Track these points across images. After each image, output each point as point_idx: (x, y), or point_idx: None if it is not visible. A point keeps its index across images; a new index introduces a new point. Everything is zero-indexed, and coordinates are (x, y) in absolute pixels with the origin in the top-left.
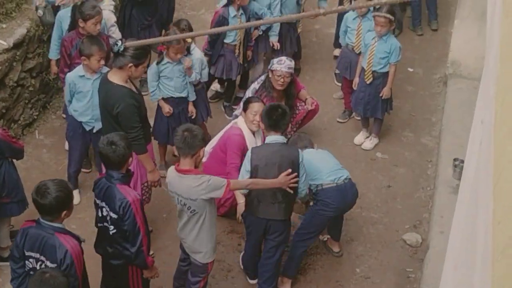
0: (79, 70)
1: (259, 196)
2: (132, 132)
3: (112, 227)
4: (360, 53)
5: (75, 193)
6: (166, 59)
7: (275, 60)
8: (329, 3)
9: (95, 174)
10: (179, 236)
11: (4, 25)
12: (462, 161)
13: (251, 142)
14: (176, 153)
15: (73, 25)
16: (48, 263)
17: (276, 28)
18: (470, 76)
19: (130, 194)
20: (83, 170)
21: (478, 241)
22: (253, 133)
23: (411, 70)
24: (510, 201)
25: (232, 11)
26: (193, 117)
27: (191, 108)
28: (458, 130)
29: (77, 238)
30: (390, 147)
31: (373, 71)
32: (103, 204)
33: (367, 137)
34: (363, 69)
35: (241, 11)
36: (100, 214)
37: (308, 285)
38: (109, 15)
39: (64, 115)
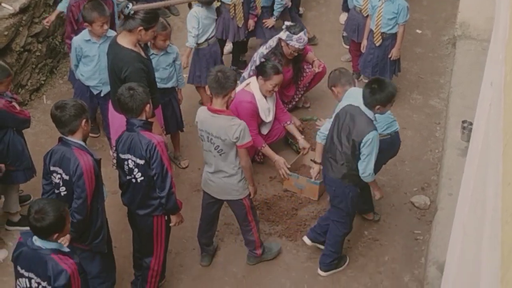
0: (84, 34)
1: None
2: None
3: (139, 174)
4: (367, 15)
5: None
6: (152, 51)
7: (294, 37)
8: None
9: (104, 139)
10: (206, 182)
11: None
12: (471, 123)
13: (263, 106)
14: (208, 92)
15: None
16: (64, 175)
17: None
18: (479, 37)
19: (155, 137)
20: (91, 135)
21: (487, 203)
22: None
23: (419, 32)
24: None
25: None
26: (180, 104)
27: (180, 95)
28: (466, 92)
29: (91, 154)
30: (398, 110)
31: (382, 33)
32: (128, 156)
33: None
34: (371, 31)
35: None
36: (126, 168)
37: (317, 248)
38: None
39: (70, 81)
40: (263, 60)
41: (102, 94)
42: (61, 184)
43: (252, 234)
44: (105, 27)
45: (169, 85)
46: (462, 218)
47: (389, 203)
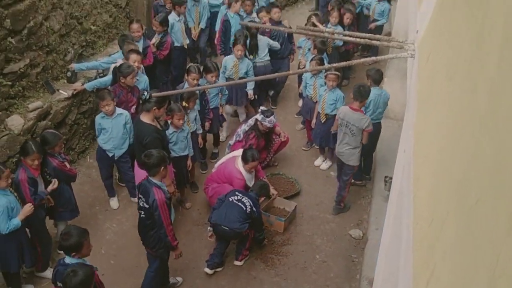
0: (102, 113)
1: None
2: None
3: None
4: (316, 101)
5: (114, 200)
6: (171, 129)
7: (267, 119)
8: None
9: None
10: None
11: (65, 81)
12: (391, 178)
13: (247, 177)
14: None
15: (114, 81)
16: (145, 204)
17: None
18: (396, 117)
19: None
20: (119, 183)
21: (403, 235)
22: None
23: None
24: (424, 209)
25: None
26: (189, 169)
27: (189, 162)
28: (387, 155)
29: (164, 192)
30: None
31: (326, 114)
32: None
33: (323, 160)
34: (318, 113)
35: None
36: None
37: (283, 267)
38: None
39: None
40: (248, 132)
41: (115, 158)
42: (142, 209)
43: (346, 191)
44: (107, 108)
45: (185, 153)
46: (385, 246)
47: (334, 234)
